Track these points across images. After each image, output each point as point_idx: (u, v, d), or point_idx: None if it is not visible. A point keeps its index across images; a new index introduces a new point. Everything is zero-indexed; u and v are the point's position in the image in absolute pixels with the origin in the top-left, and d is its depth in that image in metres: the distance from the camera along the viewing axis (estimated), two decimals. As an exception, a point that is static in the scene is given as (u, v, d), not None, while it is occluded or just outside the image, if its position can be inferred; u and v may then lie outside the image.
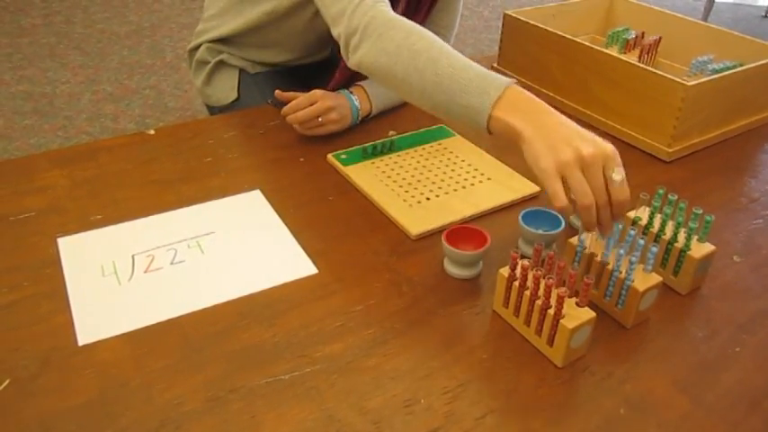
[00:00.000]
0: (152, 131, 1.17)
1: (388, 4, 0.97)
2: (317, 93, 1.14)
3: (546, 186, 0.75)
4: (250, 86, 1.39)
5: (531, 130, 0.77)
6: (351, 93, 1.19)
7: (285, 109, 1.15)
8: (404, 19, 0.93)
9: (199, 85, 1.44)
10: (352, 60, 0.97)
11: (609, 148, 0.75)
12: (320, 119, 1.13)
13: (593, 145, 0.74)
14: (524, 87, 0.83)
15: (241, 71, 1.39)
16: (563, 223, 0.89)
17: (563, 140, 0.75)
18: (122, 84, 2.86)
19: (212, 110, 1.46)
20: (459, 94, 0.83)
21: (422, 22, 1.28)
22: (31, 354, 0.72)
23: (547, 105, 0.81)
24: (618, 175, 0.74)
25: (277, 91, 1.21)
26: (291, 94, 1.17)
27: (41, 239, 0.89)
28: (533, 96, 0.82)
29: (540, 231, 0.88)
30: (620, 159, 0.75)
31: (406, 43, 0.89)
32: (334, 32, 1.00)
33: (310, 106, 1.13)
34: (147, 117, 2.61)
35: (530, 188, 1.04)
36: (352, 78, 1.23)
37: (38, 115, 2.56)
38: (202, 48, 1.41)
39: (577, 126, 0.77)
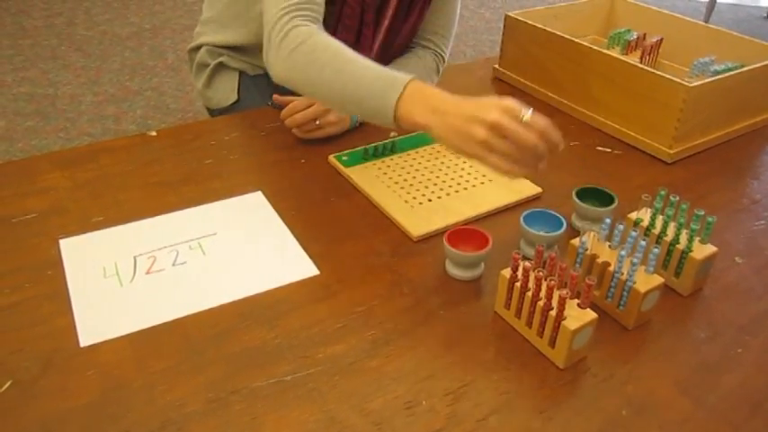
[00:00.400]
0: (153, 133, 1.17)
1: (314, 23, 1.01)
2: None
3: (485, 165, 0.80)
4: (250, 89, 1.39)
5: (437, 123, 0.82)
6: None
7: (283, 112, 1.15)
8: (317, 35, 0.97)
9: (200, 87, 1.45)
10: (270, 72, 1.02)
11: (505, 101, 0.79)
12: (318, 121, 1.13)
13: (492, 109, 0.78)
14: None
15: (241, 73, 1.39)
16: (564, 224, 0.89)
17: (468, 121, 0.79)
18: (124, 85, 2.86)
19: (213, 112, 1.46)
20: (366, 100, 0.88)
21: (416, 23, 1.27)
22: (33, 355, 0.72)
23: (443, 93, 0.85)
24: (526, 114, 0.78)
25: (275, 95, 1.21)
26: (290, 98, 1.17)
27: (43, 241, 0.89)
28: (430, 87, 0.86)
29: (542, 233, 0.88)
30: (519, 103, 0.79)
31: (313, 57, 0.94)
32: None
33: (307, 109, 1.13)
34: (149, 118, 2.61)
35: (531, 189, 1.04)
36: None
37: (39, 117, 2.56)
38: (202, 50, 1.41)
39: (471, 100, 0.82)
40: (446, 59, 1.37)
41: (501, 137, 0.78)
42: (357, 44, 1.22)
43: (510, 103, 0.79)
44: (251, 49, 1.36)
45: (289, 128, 1.15)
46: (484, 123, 0.78)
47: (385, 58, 1.29)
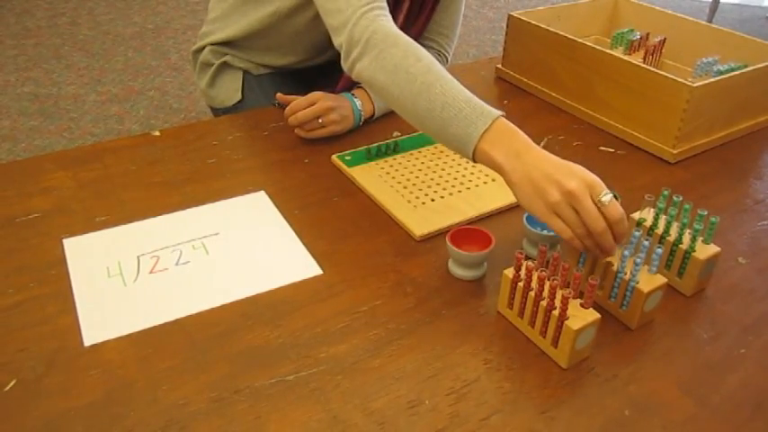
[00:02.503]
0: (157, 133, 1.17)
1: (390, 18, 0.98)
2: (316, 94, 1.14)
3: (548, 225, 0.78)
4: (254, 88, 1.39)
5: (515, 171, 0.80)
6: (353, 95, 1.20)
7: (286, 110, 1.15)
8: (403, 36, 0.94)
9: (203, 86, 1.45)
10: (353, 72, 0.98)
11: (591, 176, 0.76)
12: (320, 120, 1.14)
13: (575, 178, 0.75)
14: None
15: (245, 73, 1.39)
16: None
17: (546, 179, 0.77)
18: (127, 85, 2.87)
19: (216, 111, 1.46)
20: (450, 123, 0.85)
21: (425, 23, 1.28)
22: (37, 354, 0.73)
23: (529, 140, 0.82)
24: (605, 196, 0.75)
25: (278, 94, 1.21)
26: (292, 97, 1.17)
27: (47, 240, 0.90)
28: (518, 130, 0.83)
29: (545, 232, 0.88)
30: (603, 184, 0.76)
31: (404, 64, 0.90)
32: (336, 42, 1.00)
33: (310, 107, 1.13)
34: (152, 118, 2.62)
35: (534, 189, 1.04)
36: None
37: (43, 117, 2.57)
38: (206, 49, 1.42)
39: (558, 160, 0.79)
40: (450, 59, 1.37)
41: (572, 207, 0.76)
42: None
43: (595, 179, 0.76)
44: (255, 46, 1.36)
45: (291, 126, 1.15)
46: (561, 188, 0.76)
47: None
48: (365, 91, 1.21)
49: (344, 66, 0.99)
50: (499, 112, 0.84)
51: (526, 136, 0.83)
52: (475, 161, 0.85)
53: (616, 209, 0.75)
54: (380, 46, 0.93)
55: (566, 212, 0.76)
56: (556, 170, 0.77)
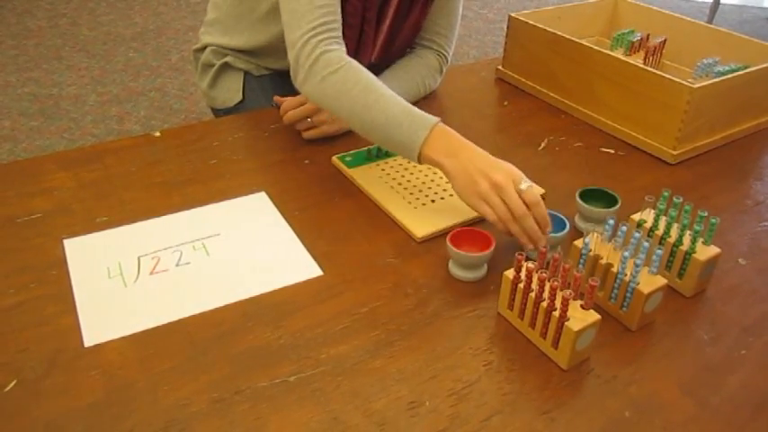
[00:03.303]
0: (157, 133, 1.17)
1: (337, 40, 1.05)
2: None
3: (476, 211, 0.91)
4: (255, 89, 1.39)
5: (452, 167, 0.92)
6: None
7: (280, 110, 1.16)
8: (343, 61, 1.01)
9: (204, 87, 1.45)
10: (301, 91, 1.06)
11: (514, 169, 0.90)
12: (309, 119, 1.15)
13: (501, 171, 0.89)
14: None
15: (246, 74, 1.39)
16: (567, 225, 0.89)
17: (478, 173, 0.89)
18: (128, 86, 2.87)
19: (217, 112, 1.46)
20: (394, 135, 0.96)
21: (418, 21, 1.28)
22: (38, 355, 0.73)
23: (464, 140, 0.94)
24: (524, 185, 0.87)
25: (276, 97, 1.22)
26: (289, 98, 1.18)
27: (47, 241, 0.90)
28: (453, 133, 0.95)
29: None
30: (524, 176, 0.89)
31: (344, 89, 1.00)
32: (288, 56, 1.06)
33: (300, 106, 1.14)
34: (153, 119, 2.62)
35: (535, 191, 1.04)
36: None
37: (44, 117, 2.57)
38: (207, 50, 1.42)
39: (489, 157, 0.92)
40: (449, 59, 1.37)
41: (498, 196, 0.87)
42: (359, 42, 1.22)
43: (517, 172, 0.89)
44: (256, 52, 1.37)
45: (290, 126, 1.15)
46: (489, 179, 0.88)
47: (387, 56, 1.29)
48: None
49: (294, 82, 1.07)
50: (435, 120, 0.95)
51: (460, 136, 0.95)
52: (420, 163, 0.96)
53: (532, 194, 0.87)
54: (322, 73, 1.01)
55: (493, 200, 0.88)
56: (486, 165, 0.90)
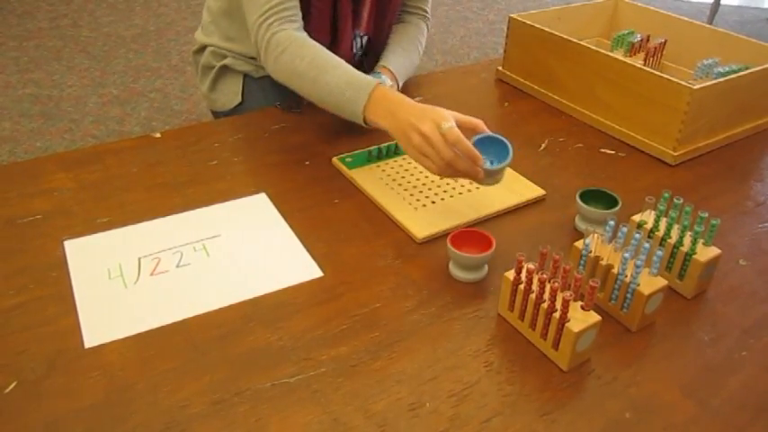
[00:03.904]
0: (158, 135, 1.17)
1: (290, 19, 1.12)
2: None
3: (419, 164, 0.95)
4: (254, 91, 1.39)
5: (393, 128, 0.98)
6: (380, 73, 1.24)
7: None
8: (291, 38, 1.10)
9: (204, 90, 1.45)
10: (267, 71, 1.16)
11: (438, 113, 0.93)
12: None
13: (427, 121, 0.92)
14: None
15: (245, 76, 1.40)
16: (510, 152, 0.93)
17: (410, 127, 0.93)
18: (128, 87, 2.87)
19: (217, 115, 1.46)
20: (340, 105, 1.05)
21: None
22: (38, 356, 0.73)
23: (401, 98, 0.99)
24: (445, 125, 0.90)
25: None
26: None
27: (48, 242, 0.90)
28: (392, 93, 1.01)
29: (488, 163, 0.93)
30: (449, 117, 0.92)
31: (292, 66, 1.09)
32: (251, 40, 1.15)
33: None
34: (153, 120, 2.62)
35: (534, 192, 1.04)
36: None
37: (44, 118, 2.57)
38: (207, 52, 1.42)
39: (419, 107, 0.96)
40: (429, 17, 1.44)
41: (431, 146, 0.91)
42: (337, 17, 1.25)
43: (442, 115, 0.92)
44: (249, 50, 1.37)
45: (295, 128, 1.17)
46: (419, 131, 0.92)
47: (380, 28, 1.34)
48: (388, 69, 1.27)
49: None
50: (374, 84, 1.01)
51: (398, 94, 1.01)
52: (368, 126, 1.03)
53: (452, 133, 0.90)
54: (274, 55, 1.11)
55: (427, 150, 0.92)
56: (414, 117, 0.93)
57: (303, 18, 1.16)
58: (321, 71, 1.06)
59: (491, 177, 0.94)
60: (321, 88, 1.06)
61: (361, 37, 1.34)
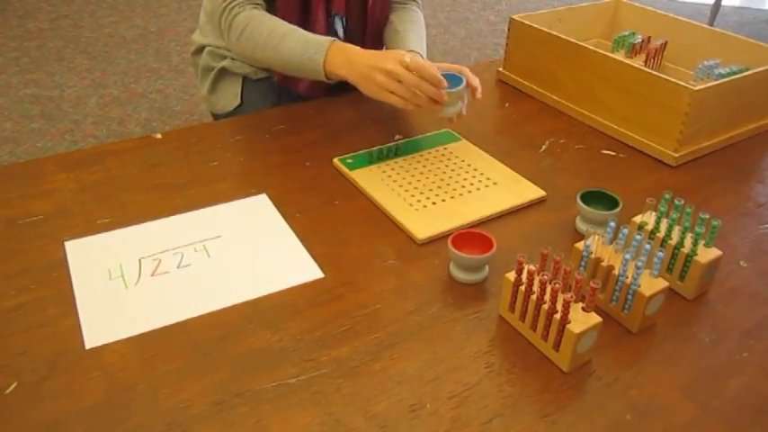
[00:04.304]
0: (159, 135, 1.17)
1: (250, 2, 1.20)
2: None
3: (387, 102, 1.05)
4: (253, 92, 1.39)
5: (352, 74, 1.08)
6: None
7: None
8: (250, 16, 1.18)
9: (204, 92, 1.45)
10: (232, 49, 1.25)
11: (395, 53, 1.06)
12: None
13: (389, 60, 1.03)
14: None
15: (244, 78, 1.39)
16: (463, 80, 1.09)
17: (371, 69, 1.04)
18: (129, 87, 2.87)
19: (217, 117, 1.46)
20: (302, 66, 1.13)
21: None
22: (38, 357, 0.73)
23: (357, 49, 1.09)
24: (407, 57, 1.02)
25: None
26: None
27: (49, 243, 0.90)
28: (349, 46, 1.11)
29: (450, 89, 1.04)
30: (404, 52, 1.05)
31: (254, 40, 1.16)
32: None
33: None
34: (154, 121, 2.62)
35: (535, 193, 1.04)
36: None
37: (45, 119, 2.57)
38: (205, 53, 1.42)
39: (376, 52, 1.08)
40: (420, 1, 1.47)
41: (396, 81, 1.02)
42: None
43: (398, 52, 1.05)
44: None
45: (298, 129, 1.18)
46: (382, 70, 1.03)
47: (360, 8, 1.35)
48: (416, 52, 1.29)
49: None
50: (330, 40, 1.12)
51: (353, 46, 1.10)
52: (329, 80, 1.13)
53: (416, 61, 1.02)
54: (236, 35, 1.19)
55: (392, 86, 1.03)
56: (375, 60, 1.05)
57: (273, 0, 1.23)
58: (280, 39, 1.14)
59: (452, 105, 1.09)
60: (283, 53, 1.14)
61: (341, 18, 1.33)
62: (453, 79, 1.08)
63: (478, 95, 1.12)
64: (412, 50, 1.26)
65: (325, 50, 1.10)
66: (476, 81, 1.11)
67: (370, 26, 1.36)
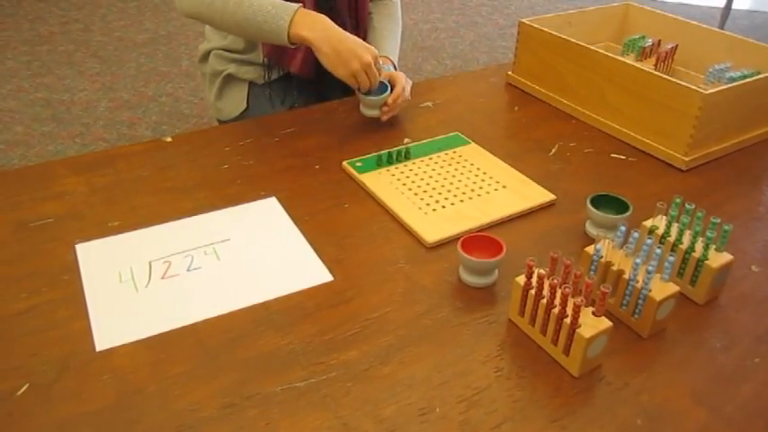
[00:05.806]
0: (168, 139, 1.18)
1: None
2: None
3: (345, 82, 1.13)
4: (259, 97, 1.39)
5: (320, 42, 1.10)
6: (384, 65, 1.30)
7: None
8: None
9: (212, 99, 1.45)
10: (178, 8, 1.21)
11: (375, 52, 1.13)
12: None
13: (368, 52, 1.11)
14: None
15: (250, 83, 1.39)
16: (389, 88, 1.19)
17: (350, 53, 1.10)
18: (139, 91, 2.88)
19: (223, 124, 1.46)
20: (264, 24, 1.11)
21: None
22: (49, 359, 0.73)
23: (328, 20, 1.12)
24: (380, 61, 1.14)
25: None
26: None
27: (59, 245, 0.90)
28: (318, 14, 1.12)
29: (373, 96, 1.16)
30: (377, 51, 1.14)
31: None
32: None
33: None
34: (164, 124, 2.63)
35: (545, 196, 1.04)
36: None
37: (56, 122, 2.59)
38: (211, 57, 1.41)
39: (355, 38, 1.12)
40: None
41: (364, 72, 1.11)
42: None
43: (373, 49, 1.13)
44: (246, 49, 1.36)
45: (309, 132, 1.18)
46: (361, 60, 1.10)
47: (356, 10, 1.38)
48: (386, 57, 1.36)
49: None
50: (298, 5, 1.12)
51: (323, 16, 1.12)
52: (291, 44, 1.12)
53: (379, 68, 1.15)
54: None
55: (362, 77, 1.12)
56: (356, 46, 1.10)
57: None
58: None
59: (371, 108, 1.20)
60: (245, 10, 1.12)
61: None
62: (383, 87, 1.19)
63: (389, 104, 1.19)
64: (383, 56, 1.34)
65: (293, 10, 1.10)
66: (398, 96, 1.20)
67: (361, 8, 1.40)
